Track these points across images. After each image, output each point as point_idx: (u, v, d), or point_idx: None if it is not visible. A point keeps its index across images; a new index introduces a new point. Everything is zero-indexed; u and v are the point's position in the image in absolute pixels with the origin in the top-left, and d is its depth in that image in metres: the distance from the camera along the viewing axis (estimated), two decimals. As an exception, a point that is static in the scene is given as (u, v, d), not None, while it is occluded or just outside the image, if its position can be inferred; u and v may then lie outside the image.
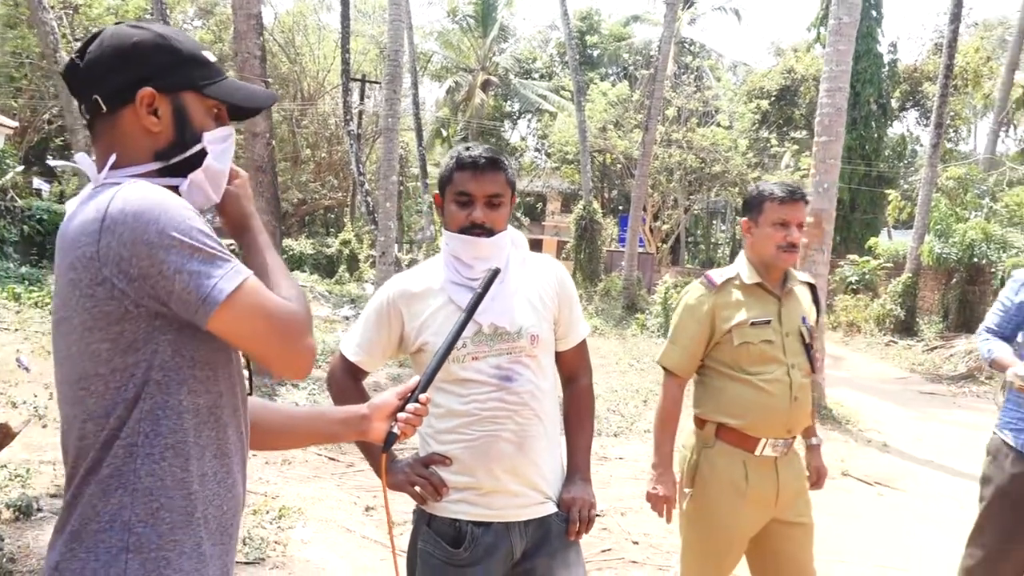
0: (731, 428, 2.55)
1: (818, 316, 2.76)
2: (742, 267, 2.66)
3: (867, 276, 19.25)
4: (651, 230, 30.93)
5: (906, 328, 16.45)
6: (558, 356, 2.14)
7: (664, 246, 32.60)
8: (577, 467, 2.11)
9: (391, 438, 1.62)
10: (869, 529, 5.17)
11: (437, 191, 2.07)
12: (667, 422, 2.64)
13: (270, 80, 7.91)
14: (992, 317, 3.09)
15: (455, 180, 1.98)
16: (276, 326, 1.26)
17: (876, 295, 18.37)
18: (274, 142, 8.10)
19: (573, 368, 2.18)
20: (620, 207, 36.40)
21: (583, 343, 2.18)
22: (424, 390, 1.66)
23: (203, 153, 1.36)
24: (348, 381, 2.12)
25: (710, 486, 2.57)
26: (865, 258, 20.05)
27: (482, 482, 1.96)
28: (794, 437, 2.62)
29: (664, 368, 2.68)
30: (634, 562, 4.42)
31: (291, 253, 24.88)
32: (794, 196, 2.57)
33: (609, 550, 4.57)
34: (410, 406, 1.63)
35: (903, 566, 4.49)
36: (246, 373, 1.44)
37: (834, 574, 4.37)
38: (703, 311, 2.61)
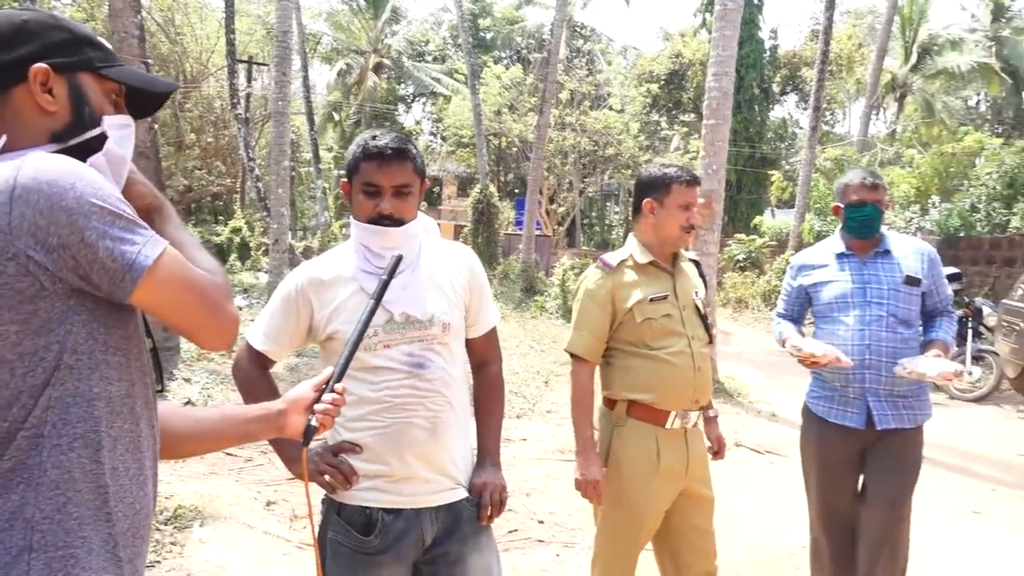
0: (641, 404, 2.62)
1: (706, 290, 2.89)
2: (633, 248, 2.74)
3: (753, 254, 20.09)
4: (547, 213, 31.20)
5: (790, 303, 17.23)
6: (468, 343, 2.15)
7: (560, 228, 32.99)
8: (488, 452, 2.13)
9: (310, 431, 1.59)
10: (761, 496, 5.41)
11: (345, 179, 2.03)
12: (583, 407, 2.68)
13: (150, 61, 7.53)
14: (780, 303, 3.38)
15: (362, 170, 1.95)
16: (200, 295, 1.24)
17: (762, 272, 19.20)
18: (156, 126, 7.73)
19: (483, 355, 2.20)
20: (517, 190, 36.55)
21: (493, 330, 2.20)
22: (339, 380, 1.64)
23: (103, 138, 1.30)
24: (255, 370, 2.08)
25: (624, 464, 2.63)
26: (751, 237, 20.91)
27: (394, 469, 1.95)
28: (701, 408, 2.73)
29: (572, 355, 2.71)
30: (540, 541, 4.49)
31: (177, 242, 23.90)
32: (695, 180, 2.71)
33: (516, 531, 4.63)
34: (327, 397, 1.60)
35: (790, 528, 4.73)
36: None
37: (729, 541, 4.57)
38: (603, 294, 2.67)
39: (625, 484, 2.62)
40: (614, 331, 2.69)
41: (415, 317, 1.96)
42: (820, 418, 3.10)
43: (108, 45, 1.37)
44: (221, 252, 23.88)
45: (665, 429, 2.63)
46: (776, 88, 32.35)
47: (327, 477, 1.94)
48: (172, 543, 4.13)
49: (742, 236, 21.23)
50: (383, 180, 1.93)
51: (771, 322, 3.39)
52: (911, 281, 3.01)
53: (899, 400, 2.98)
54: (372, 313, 1.75)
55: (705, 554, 2.71)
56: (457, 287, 2.06)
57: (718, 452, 2.91)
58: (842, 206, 3.09)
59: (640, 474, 2.61)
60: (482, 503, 2.04)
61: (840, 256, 3.12)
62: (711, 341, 2.79)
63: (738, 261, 20.13)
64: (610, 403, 2.72)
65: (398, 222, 1.95)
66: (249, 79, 26.54)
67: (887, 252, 3.07)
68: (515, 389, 8.50)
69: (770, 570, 4.22)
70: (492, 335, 2.19)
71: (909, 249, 3.10)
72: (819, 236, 16.49)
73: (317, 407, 1.59)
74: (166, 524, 4.35)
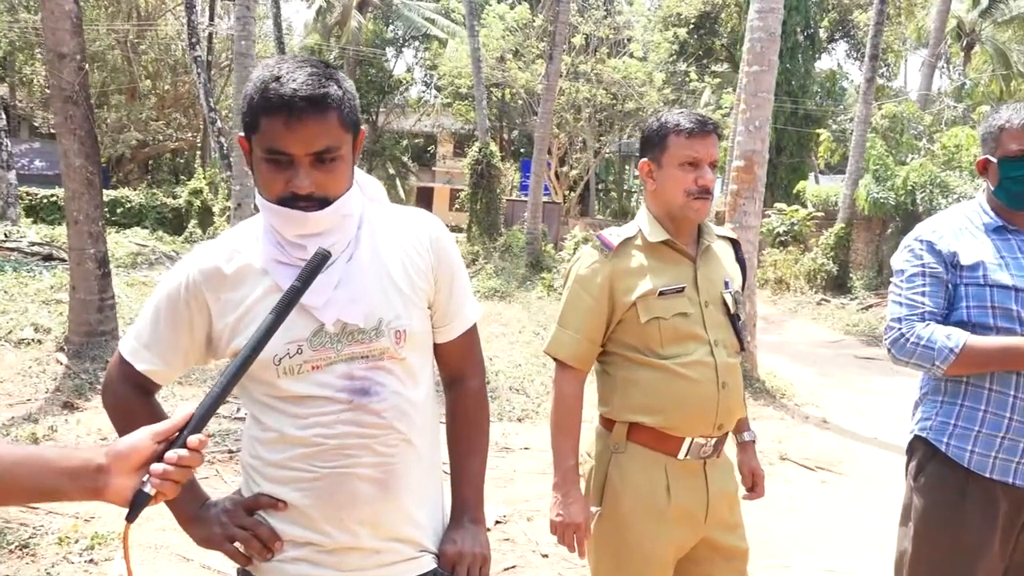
0: (646, 427, 2.31)
1: (744, 278, 2.55)
2: (644, 222, 2.40)
3: (796, 227, 19.64)
4: (557, 176, 30.84)
5: (839, 285, 16.90)
6: (438, 350, 1.78)
7: (572, 194, 32.61)
8: (465, 504, 1.76)
9: (140, 500, 1.26)
10: (813, 524, 5.07)
11: (241, 133, 1.58)
12: (566, 428, 2.36)
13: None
14: (914, 298, 2.41)
15: (263, 129, 1.49)
16: None
17: (806, 247, 18.79)
18: (87, 65, 7.31)
19: (458, 366, 1.82)
20: (522, 150, 36.15)
21: (471, 331, 1.81)
22: (199, 428, 1.27)
23: None
24: (133, 397, 1.68)
25: (623, 501, 2.32)
26: (793, 207, 20.44)
27: (331, 536, 1.59)
28: (725, 434, 2.42)
29: (555, 359, 2.40)
30: (543, 580, 4.14)
31: (128, 206, 23.55)
32: (705, 128, 2.32)
33: (513, 567, 4.28)
34: (172, 454, 1.25)
35: (852, 567, 4.38)
36: None
37: (778, 583, 4.21)
38: (598, 282, 2.34)
39: (625, 527, 2.32)
40: (613, 332, 2.36)
41: (355, 326, 1.58)
42: (971, 472, 2.32)
43: None
44: (179, 217, 23.54)
45: (677, 460, 2.33)
46: (823, 35, 31.74)
47: (239, 545, 1.59)
48: (85, 579, 3.79)
49: (783, 206, 20.74)
50: (295, 146, 1.48)
51: (899, 339, 2.39)
52: None
53: None
54: (268, 333, 1.37)
55: None
56: (416, 276, 1.67)
57: (754, 488, 2.62)
58: (994, 159, 2.38)
59: (644, 515, 2.30)
60: None
61: (999, 231, 2.40)
62: (742, 348, 2.45)
63: (778, 235, 19.68)
64: (607, 423, 2.41)
65: (322, 202, 1.53)
66: (212, 16, 26.02)
67: None
68: (516, 386, 8.23)
69: (829, 623, 3.86)
70: (469, 338, 1.82)
71: None
72: (876, 205, 16.04)
73: (155, 468, 1.25)
74: (80, 555, 4.03)
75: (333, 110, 1.50)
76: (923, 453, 2.43)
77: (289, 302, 1.40)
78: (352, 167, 1.60)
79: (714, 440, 2.35)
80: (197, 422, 1.29)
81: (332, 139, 1.50)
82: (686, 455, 2.32)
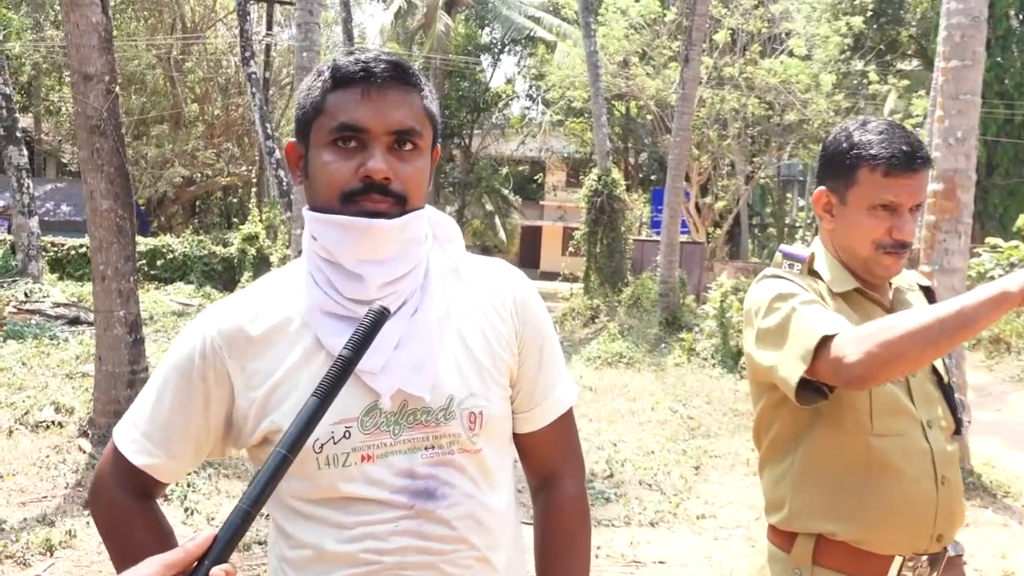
0: (839, 543, 2.22)
1: None
2: (823, 266, 2.33)
3: (1017, 268, 18.99)
4: (698, 209, 30.71)
5: (1078, 344, 16.21)
6: (522, 442, 1.77)
7: (717, 232, 32.36)
8: None
9: None
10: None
11: (293, 138, 1.63)
12: (910, 320, 1.94)
13: (109, -7, 7.47)
14: None
15: (329, 107, 1.54)
16: None
17: (1031, 296, 18.13)
18: (117, 88, 7.65)
19: (549, 464, 1.80)
20: (653, 177, 36.16)
21: (566, 417, 1.79)
22: (225, 556, 1.21)
23: None
24: (127, 502, 1.66)
25: None
26: (1012, 243, 19.84)
27: None
28: (945, 549, 2.29)
29: (816, 352, 2.04)
30: None
31: (170, 256, 24.50)
32: (912, 163, 2.17)
33: None
34: None
35: None
36: None
37: None
38: (808, 291, 2.21)
39: None
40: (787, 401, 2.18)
41: (419, 402, 1.55)
42: None
43: None
44: (230, 268, 24.28)
45: None
46: (1045, 18, 31.01)
47: None
48: None
49: (997, 241, 20.14)
50: (374, 119, 1.52)
51: None
52: None
53: None
54: (308, 426, 1.26)
55: None
56: (497, 345, 1.66)
57: None
58: None
59: None
60: None
61: None
62: (958, 431, 2.30)
63: (993, 279, 19.04)
64: (784, 538, 2.31)
65: (398, 200, 1.53)
66: (269, 24, 27.12)
67: None
68: (648, 479, 8.16)
69: None
70: (563, 426, 1.80)
71: None
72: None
73: None
74: None
75: (417, 89, 1.58)
76: None
77: (338, 378, 1.30)
78: (430, 176, 1.63)
79: (929, 558, 2.25)
80: (222, 548, 1.22)
81: (416, 120, 1.56)
82: None
